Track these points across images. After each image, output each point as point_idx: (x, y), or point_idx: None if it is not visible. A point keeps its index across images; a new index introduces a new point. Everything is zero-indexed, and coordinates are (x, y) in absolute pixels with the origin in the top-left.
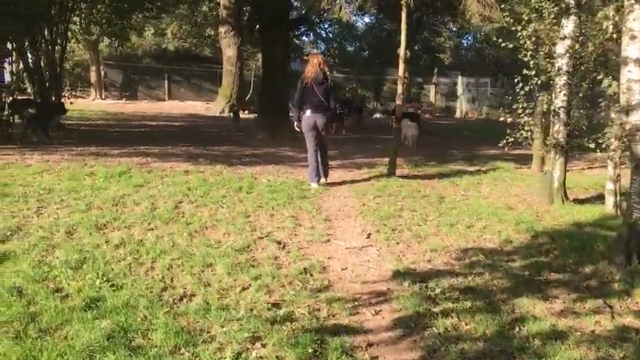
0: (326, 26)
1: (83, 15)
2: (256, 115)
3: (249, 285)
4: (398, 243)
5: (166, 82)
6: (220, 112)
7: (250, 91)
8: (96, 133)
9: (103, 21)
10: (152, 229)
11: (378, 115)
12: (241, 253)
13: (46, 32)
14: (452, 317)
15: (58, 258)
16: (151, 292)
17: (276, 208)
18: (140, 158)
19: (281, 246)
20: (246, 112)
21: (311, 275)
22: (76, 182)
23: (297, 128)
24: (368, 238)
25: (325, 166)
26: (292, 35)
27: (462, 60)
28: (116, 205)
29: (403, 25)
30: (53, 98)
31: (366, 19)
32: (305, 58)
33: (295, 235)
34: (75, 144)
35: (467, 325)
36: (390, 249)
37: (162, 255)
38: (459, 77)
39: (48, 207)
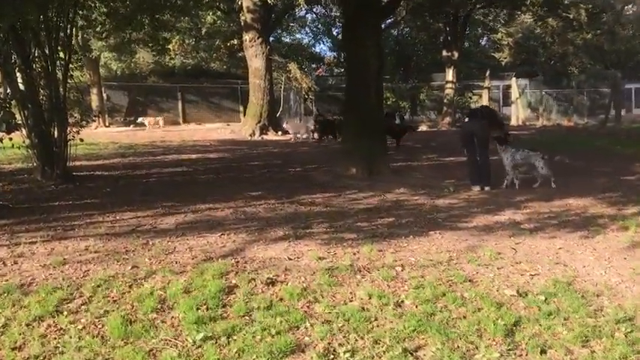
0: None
1: (81, 18)
2: (341, 141)
3: None
4: None
5: (180, 102)
6: (251, 135)
7: (280, 109)
8: (120, 182)
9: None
10: None
11: (424, 128)
12: None
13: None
14: None
15: None
16: None
17: None
18: (219, 236)
19: None
20: (279, 132)
21: None
22: (139, 348)
23: None
24: None
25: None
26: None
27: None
28: None
29: None
30: (56, 133)
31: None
32: None
33: None
34: (99, 208)
35: None
36: None
37: None
38: (513, 79)
39: None
